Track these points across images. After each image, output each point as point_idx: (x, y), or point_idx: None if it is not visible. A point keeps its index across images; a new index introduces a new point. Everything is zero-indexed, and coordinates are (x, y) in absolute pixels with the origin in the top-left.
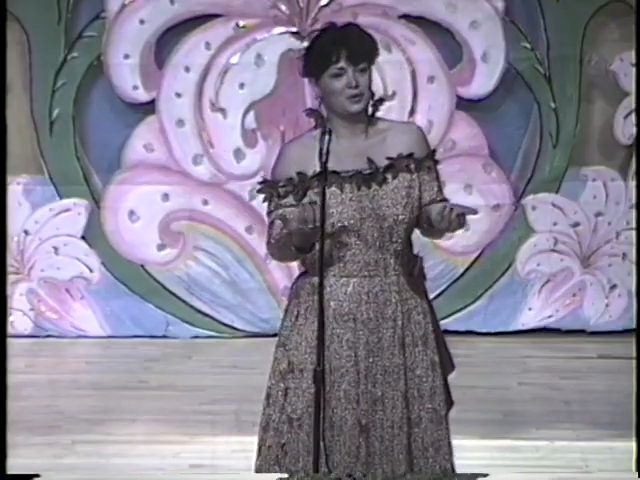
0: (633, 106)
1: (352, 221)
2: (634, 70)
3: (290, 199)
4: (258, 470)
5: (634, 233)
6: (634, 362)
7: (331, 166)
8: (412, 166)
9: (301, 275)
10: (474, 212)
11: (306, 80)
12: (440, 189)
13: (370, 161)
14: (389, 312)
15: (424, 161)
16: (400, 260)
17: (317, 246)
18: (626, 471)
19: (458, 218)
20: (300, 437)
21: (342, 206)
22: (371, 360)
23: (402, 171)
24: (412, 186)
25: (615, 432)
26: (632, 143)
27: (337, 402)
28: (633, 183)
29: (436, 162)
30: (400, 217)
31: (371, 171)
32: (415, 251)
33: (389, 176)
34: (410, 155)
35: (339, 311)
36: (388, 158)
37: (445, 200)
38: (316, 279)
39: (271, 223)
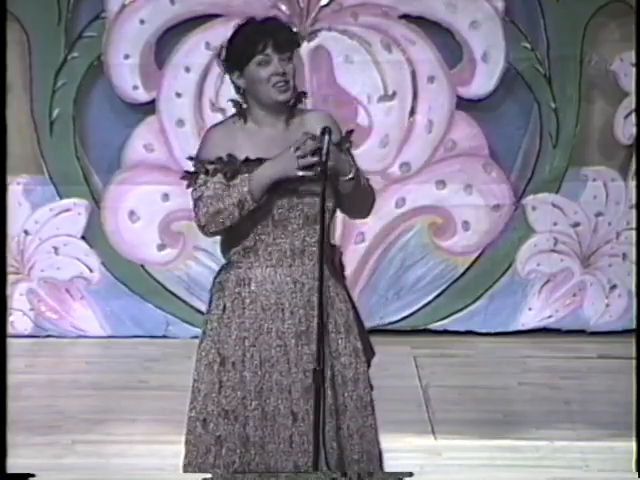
0: (633, 106)
1: (277, 208)
2: (634, 70)
3: (219, 178)
4: (188, 465)
5: (634, 233)
6: (634, 362)
7: (254, 154)
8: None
9: (224, 267)
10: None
11: (306, 80)
12: (354, 166)
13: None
14: (314, 300)
15: (342, 144)
16: (322, 248)
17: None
18: (626, 471)
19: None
20: (236, 430)
21: (267, 195)
22: (300, 348)
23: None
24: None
25: (615, 432)
26: (632, 143)
27: (269, 393)
28: (633, 183)
29: (351, 143)
30: (318, 206)
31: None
32: (415, 251)
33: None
34: (318, 153)
35: (267, 302)
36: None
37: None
38: (241, 271)
39: (199, 199)
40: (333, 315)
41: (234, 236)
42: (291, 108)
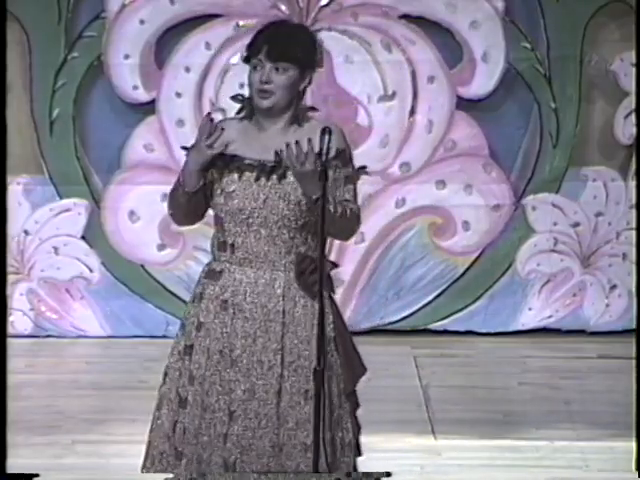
0: (633, 106)
1: (247, 210)
2: (634, 70)
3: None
4: (149, 444)
5: (634, 233)
6: (634, 362)
7: (234, 149)
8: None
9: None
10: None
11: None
12: (345, 189)
13: (277, 154)
14: (270, 306)
15: (332, 160)
16: (290, 257)
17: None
18: (626, 471)
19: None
20: (189, 417)
21: (238, 193)
22: (243, 350)
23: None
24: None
25: (615, 432)
26: (632, 143)
27: (210, 386)
28: (633, 183)
29: (346, 163)
30: (289, 214)
31: (273, 164)
32: (415, 251)
33: (290, 172)
34: (318, 153)
35: (222, 297)
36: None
37: (350, 201)
38: (213, 265)
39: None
40: (293, 326)
41: (214, 232)
42: (292, 117)
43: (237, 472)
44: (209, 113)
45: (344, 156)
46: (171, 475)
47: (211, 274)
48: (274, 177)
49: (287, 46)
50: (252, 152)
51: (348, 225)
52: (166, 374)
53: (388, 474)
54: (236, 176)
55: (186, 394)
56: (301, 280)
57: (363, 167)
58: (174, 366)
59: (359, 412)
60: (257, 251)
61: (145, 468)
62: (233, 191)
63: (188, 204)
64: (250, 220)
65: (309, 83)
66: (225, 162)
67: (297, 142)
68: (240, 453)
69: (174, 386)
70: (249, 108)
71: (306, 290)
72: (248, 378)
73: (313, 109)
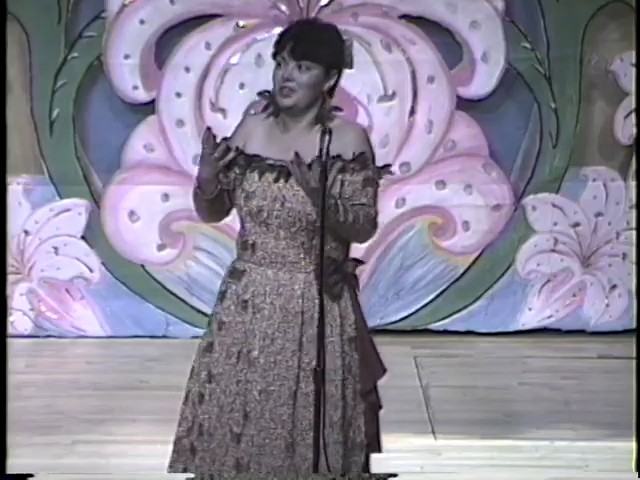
0: (633, 106)
1: (266, 211)
2: (634, 70)
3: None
4: (175, 439)
5: (634, 233)
6: (634, 362)
7: (256, 149)
8: (336, 167)
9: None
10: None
11: None
12: (362, 192)
13: (297, 156)
14: (289, 307)
15: (349, 163)
16: (310, 258)
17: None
18: (626, 471)
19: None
20: (206, 414)
21: (257, 193)
22: (261, 350)
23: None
24: (331, 187)
25: (615, 432)
26: (632, 143)
27: (228, 385)
28: (633, 183)
29: (365, 165)
30: (308, 216)
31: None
32: (415, 251)
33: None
34: (337, 156)
35: (242, 297)
36: (318, 156)
37: (366, 205)
38: (236, 264)
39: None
40: (311, 327)
41: (239, 230)
42: (316, 117)
43: (250, 472)
44: (209, 127)
45: (363, 158)
46: (192, 475)
47: (233, 273)
48: (292, 178)
49: (311, 45)
50: (274, 152)
51: (362, 229)
52: (192, 370)
53: (393, 475)
54: (257, 176)
55: (204, 391)
56: (322, 281)
57: (387, 166)
58: (196, 363)
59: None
60: (277, 252)
61: (169, 464)
62: (253, 191)
63: (210, 207)
64: (269, 221)
65: (336, 83)
66: (247, 161)
67: (297, 154)
68: (254, 454)
69: (196, 382)
70: (275, 106)
71: (326, 291)
72: (265, 379)
73: (337, 109)
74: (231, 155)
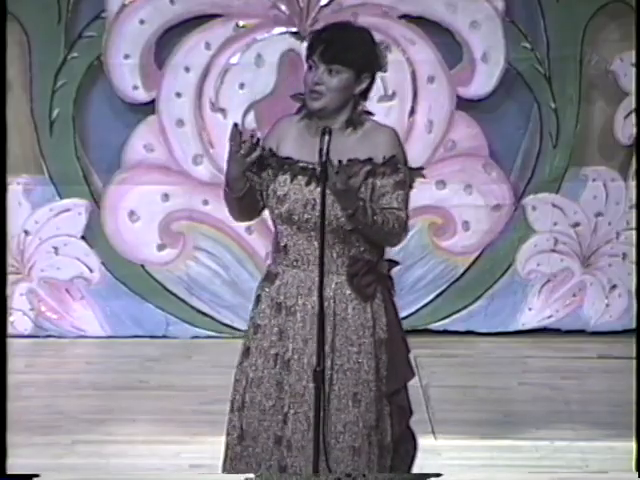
0: (633, 106)
1: (297, 214)
2: (634, 70)
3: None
4: (225, 446)
5: (634, 233)
6: (634, 362)
7: (288, 151)
8: (369, 171)
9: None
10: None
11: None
12: (392, 196)
13: (325, 157)
14: (323, 306)
15: (379, 167)
16: (342, 260)
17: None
18: (626, 471)
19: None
20: (247, 419)
21: (289, 196)
22: (294, 352)
23: (354, 175)
24: (363, 189)
25: (615, 432)
26: (632, 143)
27: (267, 389)
28: (633, 183)
29: (395, 169)
30: (340, 219)
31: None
32: (415, 251)
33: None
34: (368, 160)
35: (276, 299)
36: (349, 160)
37: (396, 209)
38: (271, 267)
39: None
40: (342, 327)
41: (274, 232)
42: (347, 120)
43: (290, 474)
44: (236, 124)
45: (394, 162)
46: (252, 475)
47: (268, 276)
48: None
49: (341, 49)
50: (306, 155)
51: (391, 233)
52: (234, 376)
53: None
54: (288, 179)
55: (246, 397)
56: (354, 282)
57: (419, 169)
58: (237, 369)
59: None
60: (309, 254)
61: (223, 469)
62: (285, 194)
63: (239, 205)
64: (301, 224)
65: (369, 86)
66: (279, 164)
67: (328, 157)
68: (292, 456)
69: (238, 389)
70: (307, 108)
71: (358, 292)
72: (299, 381)
73: (369, 113)
74: (257, 153)
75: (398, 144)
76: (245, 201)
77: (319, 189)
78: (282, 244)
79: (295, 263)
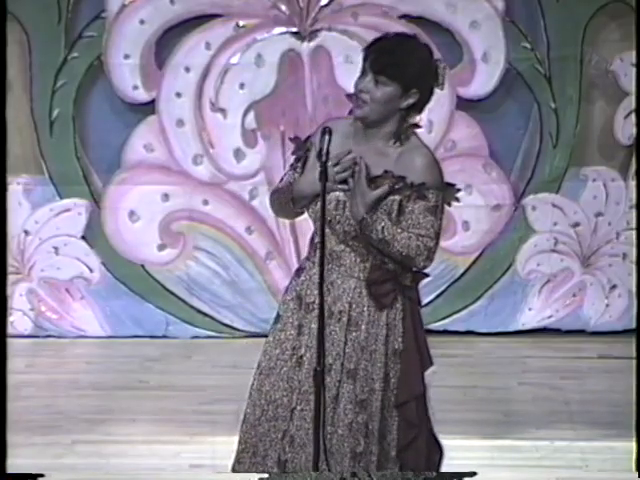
0: (633, 106)
1: (328, 216)
2: (634, 70)
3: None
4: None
5: (634, 233)
6: (634, 362)
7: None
8: (395, 188)
9: None
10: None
11: (307, 80)
12: (421, 223)
13: (365, 167)
14: (336, 310)
15: (407, 189)
16: (363, 265)
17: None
18: (626, 471)
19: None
20: (250, 406)
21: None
22: (307, 349)
23: (379, 185)
24: (387, 204)
25: (615, 432)
26: (632, 143)
27: (277, 381)
28: (633, 183)
29: (423, 196)
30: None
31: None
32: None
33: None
34: (400, 177)
35: (298, 293)
36: (385, 171)
37: (423, 235)
38: (303, 262)
39: (280, 180)
40: (355, 329)
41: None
42: (392, 133)
43: (295, 473)
44: (324, 131)
45: (423, 189)
46: (266, 475)
47: (298, 270)
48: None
49: (391, 61)
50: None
51: (409, 257)
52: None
53: (472, 474)
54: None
55: (255, 383)
56: (372, 289)
57: (454, 189)
58: (260, 357)
59: None
60: (335, 254)
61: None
62: (318, 195)
63: (293, 211)
64: (331, 225)
65: (420, 102)
66: (323, 179)
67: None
68: (294, 452)
69: (255, 372)
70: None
71: (375, 300)
72: (308, 379)
73: (416, 126)
74: (349, 172)
75: (431, 169)
76: (298, 207)
77: (349, 194)
78: (315, 241)
79: (320, 260)
